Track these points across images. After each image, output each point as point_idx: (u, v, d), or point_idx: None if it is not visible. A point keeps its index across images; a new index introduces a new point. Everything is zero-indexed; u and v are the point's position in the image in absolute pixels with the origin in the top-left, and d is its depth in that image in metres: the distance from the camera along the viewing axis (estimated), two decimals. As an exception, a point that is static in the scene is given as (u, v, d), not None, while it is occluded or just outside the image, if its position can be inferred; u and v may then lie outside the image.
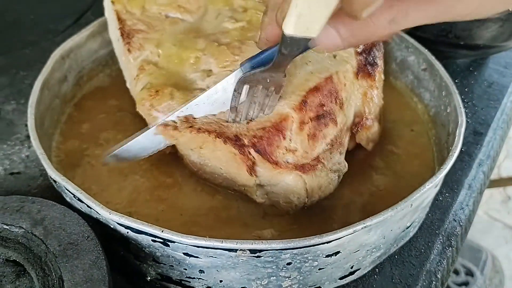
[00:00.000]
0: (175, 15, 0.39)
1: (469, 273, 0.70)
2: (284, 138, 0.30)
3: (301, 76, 0.33)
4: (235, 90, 0.30)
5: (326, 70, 0.34)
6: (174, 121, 0.32)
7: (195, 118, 0.31)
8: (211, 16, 0.39)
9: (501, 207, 1.06)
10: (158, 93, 0.32)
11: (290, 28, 0.23)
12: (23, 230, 0.29)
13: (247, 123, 0.31)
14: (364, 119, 0.37)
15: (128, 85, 0.41)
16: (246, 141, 0.30)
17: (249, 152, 0.30)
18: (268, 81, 0.29)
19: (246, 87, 0.30)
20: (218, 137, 0.30)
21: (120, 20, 0.38)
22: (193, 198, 0.36)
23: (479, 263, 0.71)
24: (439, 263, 0.34)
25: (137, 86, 0.34)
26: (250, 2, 0.40)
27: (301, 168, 0.31)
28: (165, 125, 0.32)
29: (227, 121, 0.31)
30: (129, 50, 0.36)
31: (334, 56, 0.36)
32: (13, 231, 0.29)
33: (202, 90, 0.33)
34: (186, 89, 0.33)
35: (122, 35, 0.37)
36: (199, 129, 0.31)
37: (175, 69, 0.34)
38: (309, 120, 0.31)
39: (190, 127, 0.31)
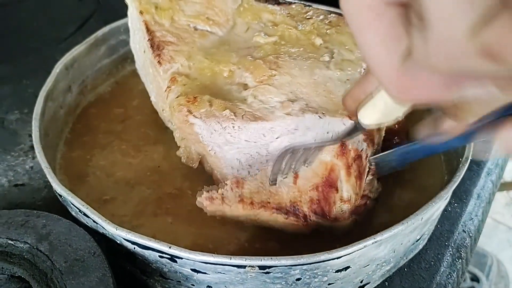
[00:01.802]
0: (204, 28, 0.38)
1: (475, 278, 0.69)
2: (337, 191, 0.29)
3: (342, 95, 0.32)
4: (279, 156, 0.29)
5: None
6: (221, 193, 0.30)
7: (243, 187, 0.30)
8: (240, 29, 0.39)
9: (505, 210, 1.06)
10: (196, 99, 0.31)
11: (367, 121, 0.24)
12: (28, 245, 0.28)
13: (294, 181, 0.29)
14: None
15: (153, 98, 0.40)
16: (305, 210, 0.29)
17: (310, 217, 0.30)
18: (314, 146, 0.29)
19: (289, 155, 0.29)
20: (277, 212, 0.29)
21: (149, 31, 0.36)
22: (201, 210, 0.35)
23: (485, 268, 0.71)
24: (449, 276, 0.34)
25: (169, 97, 0.33)
26: (279, 16, 0.40)
27: (356, 212, 0.30)
28: (211, 198, 0.30)
29: (271, 183, 0.30)
30: (159, 63, 0.35)
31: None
32: (18, 247, 0.28)
33: (241, 101, 0.32)
34: (224, 99, 0.32)
35: (152, 46, 0.36)
36: (252, 203, 0.30)
37: (208, 81, 0.34)
38: (353, 161, 0.30)
39: (241, 200, 0.30)
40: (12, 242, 0.29)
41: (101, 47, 0.46)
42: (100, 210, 0.29)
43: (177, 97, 0.32)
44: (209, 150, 0.32)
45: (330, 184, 0.29)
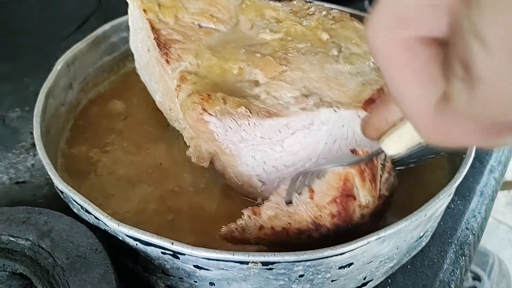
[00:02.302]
0: (208, 25, 0.38)
1: (477, 277, 0.69)
2: (355, 199, 0.29)
3: (354, 88, 0.32)
4: (292, 178, 0.29)
5: (375, 82, 0.33)
6: (240, 224, 0.29)
7: (261, 214, 0.29)
8: (244, 26, 0.39)
9: (506, 209, 1.06)
10: (210, 96, 0.31)
11: (392, 151, 0.23)
12: (30, 242, 0.28)
13: (310, 196, 0.29)
14: None
15: (158, 98, 0.39)
16: (328, 225, 0.28)
17: (332, 230, 0.29)
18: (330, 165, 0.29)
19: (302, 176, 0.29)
20: (300, 234, 0.29)
21: (154, 29, 0.36)
22: (203, 207, 0.35)
23: (486, 267, 0.71)
24: (452, 273, 0.34)
25: (179, 96, 0.33)
26: (282, 13, 0.40)
27: (376, 216, 0.30)
28: (231, 231, 0.29)
29: (286, 203, 0.29)
30: (167, 61, 0.34)
31: (379, 68, 0.35)
32: (19, 243, 0.28)
33: (255, 97, 0.32)
34: (237, 96, 0.32)
35: (158, 45, 0.35)
36: (272, 228, 0.29)
37: (218, 79, 0.33)
38: (365, 165, 0.29)
39: (261, 227, 0.29)
40: (13, 239, 0.28)
41: (102, 44, 0.45)
42: (102, 207, 0.29)
43: (189, 95, 0.32)
44: (224, 148, 0.32)
45: (347, 193, 0.29)
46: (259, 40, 0.37)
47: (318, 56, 0.35)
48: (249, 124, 0.30)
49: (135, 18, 0.40)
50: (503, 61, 0.11)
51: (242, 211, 0.29)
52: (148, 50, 0.38)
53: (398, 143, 0.22)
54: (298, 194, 0.29)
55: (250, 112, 0.30)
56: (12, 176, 0.39)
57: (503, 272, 0.72)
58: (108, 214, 0.28)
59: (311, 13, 0.41)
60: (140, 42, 0.40)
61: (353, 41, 0.38)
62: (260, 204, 0.30)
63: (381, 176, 0.30)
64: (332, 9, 0.41)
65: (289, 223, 0.29)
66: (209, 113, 0.30)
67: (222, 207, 0.35)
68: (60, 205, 0.32)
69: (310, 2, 0.42)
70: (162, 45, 0.35)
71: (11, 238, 0.28)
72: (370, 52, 0.36)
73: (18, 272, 0.28)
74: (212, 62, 0.34)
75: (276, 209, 0.29)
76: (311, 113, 0.31)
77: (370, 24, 0.15)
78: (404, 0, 0.14)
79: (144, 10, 0.37)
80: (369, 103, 0.31)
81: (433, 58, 0.14)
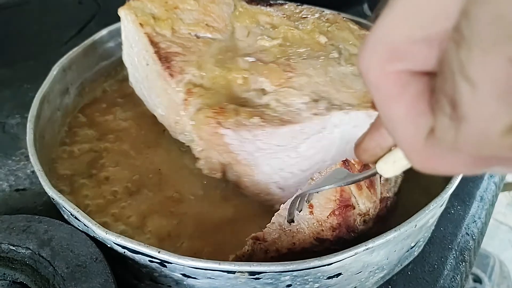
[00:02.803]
0: (205, 35, 0.38)
1: (477, 279, 0.68)
2: (354, 208, 0.29)
3: (360, 89, 0.33)
4: (293, 199, 0.29)
5: None
6: (246, 251, 0.29)
7: (264, 239, 0.29)
8: (241, 34, 0.39)
9: (507, 210, 1.03)
10: (223, 109, 0.31)
11: (387, 174, 0.23)
12: (30, 251, 0.29)
13: (310, 212, 0.29)
14: None
15: (160, 111, 0.39)
16: (330, 238, 0.29)
17: (334, 242, 0.29)
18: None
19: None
20: (305, 252, 0.29)
21: (153, 43, 0.36)
22: (203, 213, 0.35)
23: (487, 269, 0.69)
24: (452, 279, 0.33)
25: (188, 110, 0.33)
26: (276, 18, 0.40)
27: (381, 221, 0.30)
28: (238, 258, 0.29)
29: (288, 222, 0.29)
30: (171, 75, 0.34)
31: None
32: (20, 252, 0.29)
33: (265, 106, 0.32)
34: (247, 106, 0.32)
35: (160, 59, 0.35)
36: (277, 250, 0.29)
37: (224, 90, 0.33)
38: (359, 171, 0.29)
39: (266, 252, 0.29)
40: (13, 248, 0.29)
41: (99, 49, 0.46)
42: (104, 213, 0.29)
43: (199, 109, 0.32)
44: (240, 159, 0.32)
45: (345, 204, 0.29)
46: (258, 47, 0.37)
47: (320, 60, 0.35)
48: (264, 133, 0.31)
49: (130, 33, 0.40)
50: (489, 103, 0.12)
51: (246, 239, 0.30)
52: (147, 64, 0.38)
53: (394, 167, 0.22)
54: (299, 212, 0.29)
55: (265, 122, 0.30)
56: (12, 183, 0.40)
57: (503, 273, 0.70)
58: (110, 220, 0.29)
59: (304, 16, 0.40)
60: (136, 56, 0.40)
61: (350, 42, 0.37)
62: (263, 229, 0.30)
63: (380, 177, 0.30)
64: (323, 11, 0.41)
65: (293, 243, 0.29)
66: (224, 126, 0.31)
67: (223, 213, 0.35)
68: (60, 212, 0.33)
69: (300, 5, 0.41)
70: (164, 58, 0.35)
71: (12, 247, 0.29)
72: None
73: (18, 281, 0.29)
74: (215, 73, 0.34)
75: (279, 230, 0.30)
76: (324, 117, 0.31)
77: (362, 56, 0.15)
78: (396, 34, 0.14)
79: (141, 24, 0.37)
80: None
81: (424, 90, 0.14)
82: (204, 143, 0.33)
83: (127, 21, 0.39)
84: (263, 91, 0.33)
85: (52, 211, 0.34)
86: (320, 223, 0.29)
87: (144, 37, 0.37)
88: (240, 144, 0.31)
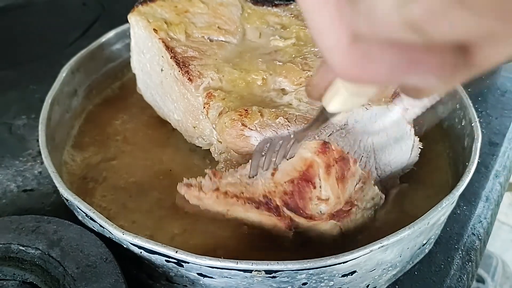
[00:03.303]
0: (218, 38, 0.38)
1: (480, 279, 0.69)
2: (314, 187, 0.30)
3: None
4: (256, 151, 0.29)
5: None
6: (199, 181, 0.31)
7: (221, 178, 0.30)
8: (252, 35, 0.39)
9: (509, 210, 1.05)
10: (248, 111, 0.31)
11: (331, 107, 0.24)
12: (40, 251, 0.29)
13: (272, 174, 0.30)
14: None
15: (176, 116, 0.39)
16: (278, 201, 0.29)
17: (283, 211, 0.29)
18: (292, 136, 0.29)
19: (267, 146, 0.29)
20: (248, 203, 0.29)
21: (169, 48, 0.36)
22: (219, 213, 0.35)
23: (490, 269, 0.70)
24: (459, 279, 0.34)
25: (209, 113, 0.33)
26: (285, 18, 0.40)
27: (336, 216, 0.30)
28: (189, 184, 0.31)
29: (250, 177, 0.30)
30: (190, 80, 0.34)
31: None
32: (29, 253, 0.29)
33: (287, 106, 0.32)
34: (270, 107, 0.32)
35: (177, 64, 0.35)
36: (226, 193, 0.30)
37: (244, 92, 0.34)
38: (335, 162, 0.30)
39: (217, 189, 0.30)
40: (23, 248, 0.29)
41: (106, 51, 0.46)
42: (117, 215, 0.29)
43: (221, 112, 0.32)
44: None
45: (306, 179, 0.29)
46: (272, 47, 0.37)
47: None
48: (288, 132, 0.31)
49: (141, 39, 0.40)
50: None
51: (205, 170, 0.31)
52: (162, 70, 0.38)
53: (335, 98, 0.23)
54: (264, 172, 0.30)
55: (289, 122, 0.31)
56: (19, 184, 0.40)
57: (506, 274, 0.71)
58: (122, 220, 0.29)
59: None
60: (148, 62, 0.40)
61: None
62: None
63: (356, 185, 0.31)
64: None
65: (242, 193, 0.30)
66: (249, 128, 0.31)
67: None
68: (68, 213, 0.32)
69: None
70: (181, 63, 0.35)
71: (21, 247, 0.29)
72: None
73: (28, 281, 0.28)
74: (234, 76, 0.34)
75: (237, 179, 0.30)
76: (345, 114, 0.31)
77: None
78: None
79: (155, 30, 0.37)
80: (394, 97, 0.33)
81: None
82: (225, 146, 0.33)
83: (138, 27, 0.39)
84: (283, 91, 0.34)
85: (60, 211, 0.34)
86: (275, 185, 0.30)
87: (158, 42, 0.37)
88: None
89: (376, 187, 0.32)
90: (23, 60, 0.52)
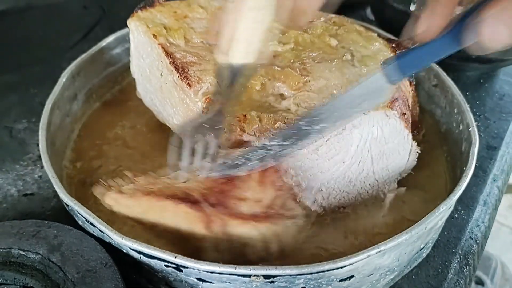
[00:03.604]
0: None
1: (479, 282, 0.69)
2: (234, 186, 0.30)
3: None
4: (170, 144, 0.29)
5: None
6: (120, 184, 0.30)
7: (140, 179, 0.30)
8: None
9: (508, 212, 1.05)
10: (246, 116, 0.31)
11: (238, 57, 0.24)
12: (40, 256, 0.29)
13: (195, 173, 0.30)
14: None
15: (176, 121, 0.39)
16: (197, 196, 0.29)
17: (202, 207, 0.29)
18: (207, 127, 0.29)
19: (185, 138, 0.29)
20: (167, 199, 0.29)
21: (168, 54, 0.36)
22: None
23: (489, 271, 0.71)
24: (457, 283, 0.34)
25: None
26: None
27: (256, 218, 0.30)
28: (109, 186, 0.30)
29: (170, 178, 0.30)
30: (189, 85, 0.34)
31: None
32: (30, 257, 0.29)
33: (286, 111, 0.32)
34: (268, 112, 0.32)
35: (176, 69, 0.35)
36: (143, 191, 0.30)
37: (243, 97, 0.33)
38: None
39: (137, 189, 0.30)
40: (24, 253, 0.29)
41: (106, 55, 0.46)
42: (117, 219, 0.29)
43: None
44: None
45: (228, 178, 0.29)
46: (271, 52, 0.37)
47: (334, 63, 0.36)
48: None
49: (140, 44, 0.40)
50: None
51: (124, 172, 0.31)
52: (161, 75, 0.38)
53: (235, 47, 0.23)
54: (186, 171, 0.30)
55: (287, 127, 0.31)
56: (20, 188, 0.40)
57: (505, 275, 0.71)
58: (122, 226, 0.29)
59: (310, 20, 0.41)
60: (147, 67, 0.40)
61: (360, 44, 0.38)
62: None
63: (278, 192, 0.31)
64: (327, 14, 0.42)
65: (161, 190, 0.30)
66: (248, 133, 0.31)
67: None
68: (68, 217, 0.33)
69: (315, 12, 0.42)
70: (180, 68, 0.35)
71: (22, 252, 0.29)
72: (378, 52, 0.37)
73: (29, 286, 0.28)
74: None
75: (158, 179, 0.30)
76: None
77: None
78: None
79: (154, 35, 0.37)
80: (393, 102, 0.33)
81: None
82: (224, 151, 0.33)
83: (138, 33, 0.39)
84: (282, 96, 0.34)
85: (61, 216, 0.35)
86: (197, 183, 0.30)
87: (157, 48, 0.37)
88: None
89: (297, 204, 0.32)
90: (23, 64, 0.53)
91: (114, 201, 0.30)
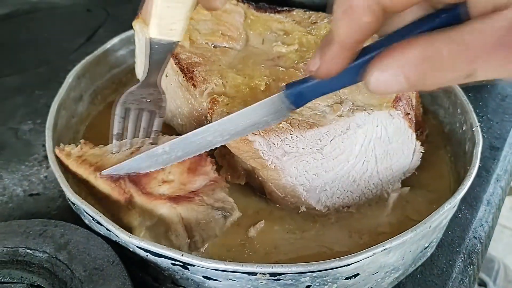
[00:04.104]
0: (222, 44, 0.39)
1: (482, 283, 0.69)
2: (162, 169, 0.30)
3: None
4: (116, 114, 0.31)
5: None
6: (71, 149, 0.34)
7: (90, 149, 0.33)
8: (255, 41, 0.39)
9: (510, 214, 1.05)
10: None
11: (154, 32, 0.25)
12: (47, 254, 0.29)
13: (132, 152, 0.31)
14: None
15: (180, 121, 0.39)
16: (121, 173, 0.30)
17: (124, 183, 0.30)
18: (148, 100, 0.30)
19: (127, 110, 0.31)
20: (95, 170, 0.31)
21: (173, 55, 0.36)
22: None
23: (492, 273, 0.70)
24: (461, 282, 0.34)
25: (213, 119, 0.33)
26: (287, 24, 0.41)
27: (175, 199, 0.30)
28: (61, 149, 0.34)
29: (112, 152, 0.32)
30: (194, 85, 0.35)
31: None
32: (37, 256, 0.29)
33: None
34: None
35: (182, 70, 0.36)
36: (84, 160, 0.33)
37: (248, 97, 0.34)
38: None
39: (79, 157, 0.33)
40: (31, 252, 0.29)
41: (111, 57, 0.47)
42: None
43: None
44: (269, 164, 0.32)
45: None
46: (275, 53, 0.38)
47: None
48: (291, 137, 0.31)
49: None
50: None
51: (81, 141, 0.35)
52: (166, 76, 0.38)
53: (152, 21, 0.24)
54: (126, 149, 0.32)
55: (292, 126, 0.31)
56: (26, 188, 0.40)
57: (508, 277, 0.71)
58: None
59: (313, 21, 0.42)
60: None
61: None
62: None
63: (208, 183, 0.31)
64: (330, 16, 0.42)
65: (97, 162, 0.32)
66: (253, 133, 0.31)
67: (246, 215, 0.35)
68: (74, 217, 0.33)
69: (307, 11, 0.43)
70: (186, 69, 0.36)
71: (29, 251, 0.29)
72: None
73: (36, 284, 0.28)
74: (238, 81, 0.35)
75: (102, 151, 0.34)
76: (348, 119, 0.32)
77: None
78: None
79: None
80: (397, 102, 0.33)
81: None
82: (233, 151, 0.34)
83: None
84: None
85: (66, 215, 0.35)
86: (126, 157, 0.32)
87: None
88: (268, 150, 0.32)
89: (230, 198, 0.32)
90: (28, 66, 0.53)
91: (63, 162, 0.34)
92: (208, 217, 0.31)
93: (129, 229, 0.30)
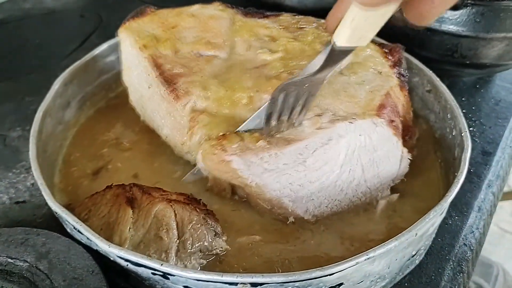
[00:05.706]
0: (206, 53, 0.38)
1: (481, 289, 0.68)
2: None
3: (364, 97, 0.34)
4: (272, 97, 0.30)
5: (381, 87, 0.35)
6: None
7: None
8: (241, 48, 0.39)
9: (511, 218, 1.04)
10: (225, 136, 0.31)
11: (343, 41, 0.24)
12: (28, 264, 0.29)
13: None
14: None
15: (165, 132, 0.39)
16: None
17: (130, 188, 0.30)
18: (305, 86, 0.30)
19: (283, 95, 0.30)
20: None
21: (157, 65, 0.36)
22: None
23: (490, 278, 0.69)
24: (450, 290, 0.33)
25: (192, 139, 0.33)
26: (274, 30, 0.40)
27: (174, 200, 0.31)
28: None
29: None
30: (177, 97, 0.34)
31: (380, 73, 0.37)
32: (17, 265, 0.29)
33: None
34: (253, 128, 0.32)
35: (166, 81, 0.35)
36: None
37: (229, 113, 0.33)
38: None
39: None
40: (11, 261, 0.29)
41: (100, 63, 0.46)
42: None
43: (203, 142, 0.32)
44: (249, 182, 0.32)
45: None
46: (260, 61, 0.37)
47: None
48: (270, 155, 0.31)
49: (129, 55, 0.40)
50: None
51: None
52: (149, 87, 0.37)
53: (343, 29, 0.23)
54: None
55: (269, 144, 0.31)
56: (12, 196, 0.40)
57: (507, 283, 0.70)
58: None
59: (301, 26, 0.41)
60: (136, 78, 0.40)
61: None
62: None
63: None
64: (319, 20, 0.42)
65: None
66: (229, 153, 0.31)
67: (238, 223, 0.35)
68: (59, 224, 0.33)
69: (296, 15, 0.42)
70: (168, 81, 0.35)
71: (10, 260, 0.29)
72: (369, 58, 0.37)
73: (15, 294, 0.28)
74: (220, 95, 0.34)
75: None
76: (328, 130, 0.31)
77: None
78: None
79: (144, 46, 0.37)
80: (381, 109, 0.33)
81: None
82: (214, 173, 0.33)
83: (125, 44, 0.39)
84: None
85: (52, 223, 0.34)
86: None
87: (145, 60, 0.37)
88: (247, 168, 0.31)
89: (220, 240, 0.32)
90: (19, 72, 0.53)
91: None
92: (201, 221, 0.31)
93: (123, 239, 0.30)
